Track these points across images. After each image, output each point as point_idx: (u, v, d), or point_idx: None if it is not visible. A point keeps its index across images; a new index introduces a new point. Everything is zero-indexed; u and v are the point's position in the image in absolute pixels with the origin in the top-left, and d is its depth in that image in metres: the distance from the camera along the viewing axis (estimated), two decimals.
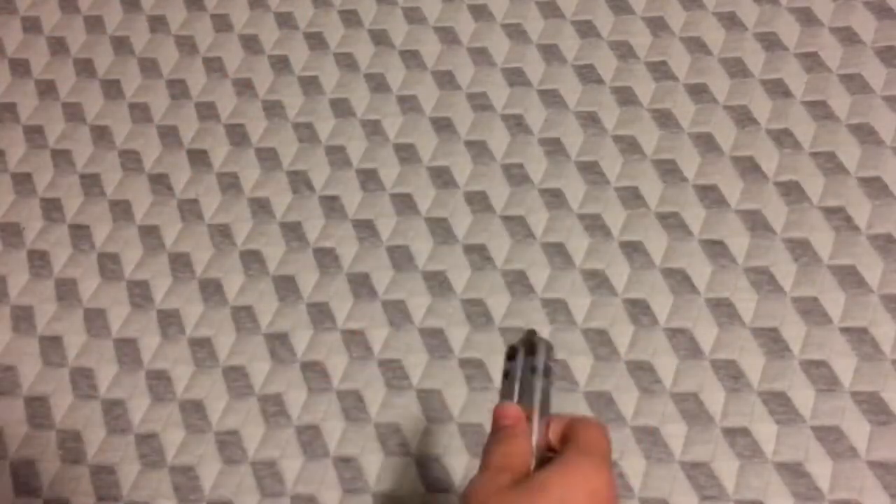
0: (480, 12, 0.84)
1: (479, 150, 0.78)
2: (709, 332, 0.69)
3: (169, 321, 0.74)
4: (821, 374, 0.66)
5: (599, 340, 0.69)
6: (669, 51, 0.80)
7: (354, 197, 0.77)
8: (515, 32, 0.83)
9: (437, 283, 0.73)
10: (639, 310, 0.70)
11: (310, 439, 0.69)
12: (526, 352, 0.48)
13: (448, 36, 0.83)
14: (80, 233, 0.79)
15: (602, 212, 0.74)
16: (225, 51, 0.86)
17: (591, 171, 0.76)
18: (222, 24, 0.87)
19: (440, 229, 0.75)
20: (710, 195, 0.73)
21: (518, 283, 0.72)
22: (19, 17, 0.90)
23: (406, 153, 0.79)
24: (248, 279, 0.75)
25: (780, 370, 0.67)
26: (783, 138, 0.75)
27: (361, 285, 0.74)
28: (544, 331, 0.70)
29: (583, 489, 0.43)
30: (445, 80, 0.81)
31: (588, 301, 0.71)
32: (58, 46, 0.88)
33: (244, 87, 0.84)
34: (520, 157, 0.77)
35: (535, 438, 0.46)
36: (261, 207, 0.78)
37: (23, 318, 0.76)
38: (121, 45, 0.87)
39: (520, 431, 0.47)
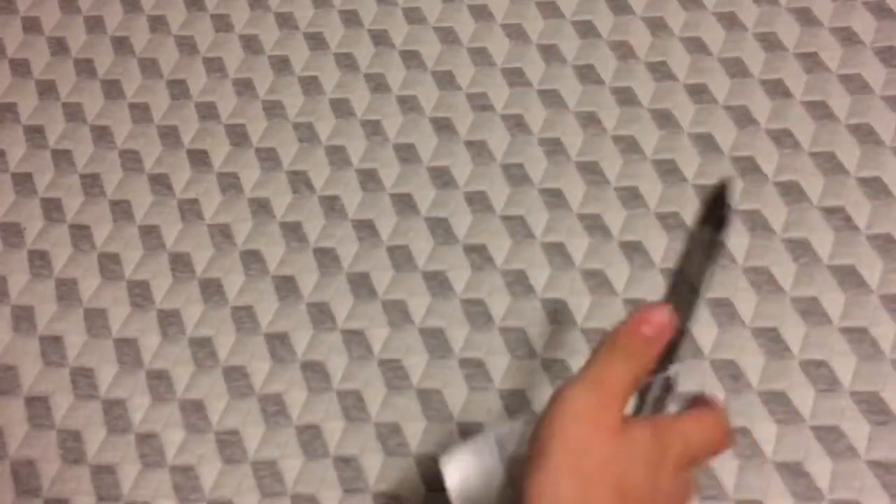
0: (480, 12, 0.84)
1: (479, 150, 0.78)
2: (709, 332, 0.69)
3: (169, 321, 0.74)
4: (820, 374, 0.66)
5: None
6: (669, 51, 0.80)
7: (354, 197, 0.77)
8: (515, 32, 0.83)
9: (437, 283, 0.73)
10: None
11: (310, 439, 0.69)
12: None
13: (448, 36, 0.83)
14: (80, 233, 0.79)
15: (602, 212, 0.74)
16: (225, 51, 0.86)
17: (591, 171, 0.76)
18: (222, 24, 0.87)
19: (440, 229, 0.75)
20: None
21: (518, 283, 0.72)
22: (19, 17, 0.90)
23: (406, 153, 0.79)
24: (248, 279, 0.75)
25: (779, 370, 0.67)
26: (783, 138, 0.75)
27: (361, 285, 0.74)
28: (545, 330, 0.70)
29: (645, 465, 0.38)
30: (445, 80, 0.81)
31: (588, 301, 0.71)
32: (58, 46, 0.88)
33: (244, 87, 0.84)
34: (520, 157, 0.77)
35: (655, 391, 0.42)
36: (261, 207, 0.78)
37: (23, 318, 0.76)
38: (121, 45, 0.87)
39: (654, 353, 0.40)
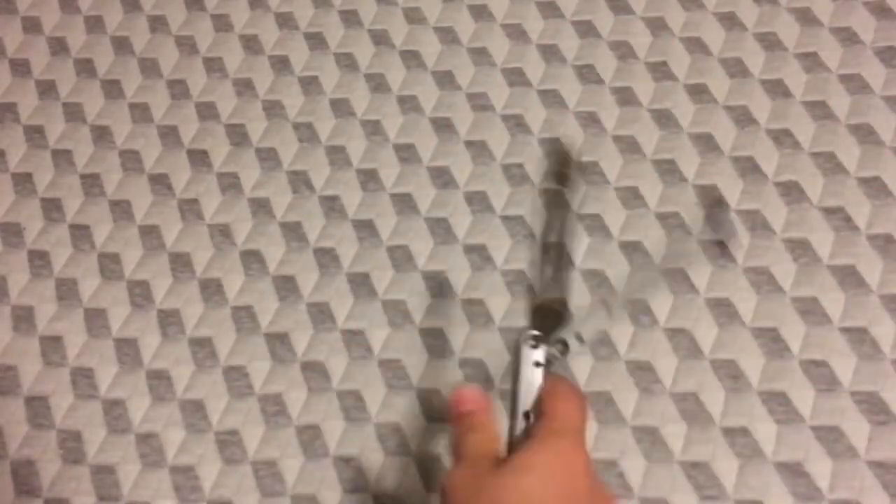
0: (480, 12, 0.84)
1: (479, 150, 0.78)
2: (709, 332, 0.69)
3: (169, 321, 0.74)
4: (820, 373, 0.66)
5: (599, 340, 0.69)
6: (669, 51, 0.80)
7: (354, 197, 0.77)
8: (515, 32, 0.83)
9: (437, 282, 0.73)
10: (639, 310, 0.70)
11: (310, 439, 0.69)
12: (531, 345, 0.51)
13: (448, 36, 0.83)
14: (80, 233, 0.79)
15: (602, 212, 0.74)
16: (225, 51, 0.86)
17: (591, 171, 0.76)
18: (222, 24, 0.87)
19: (440, 229, 0.75)
20: (710, 195, 0.73)
21: (518, 283, 0.72)
22: (19, 17, 0.90)
23: (406, 153, 0.79)
24: (248, 279, 0.75)
25: (779, 370, 0.67)
26: (783, 138, 0.75)
27: (361, 285, 0.74)
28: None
29: (561, 469, 0.44)
30: (445, 80, 0.81)
31: (588, 301, 0.71)
32: (58, 46, 0.88)
33: (244, 87, 0.84)
34: (520, 157, 0.77)
35: (518, 428, 0.48)
36: (261, 207, 0.78)
37: (23, 318, 0.76)
38: (121, 45, 0.87)
39: (485, 418, 0.48)
